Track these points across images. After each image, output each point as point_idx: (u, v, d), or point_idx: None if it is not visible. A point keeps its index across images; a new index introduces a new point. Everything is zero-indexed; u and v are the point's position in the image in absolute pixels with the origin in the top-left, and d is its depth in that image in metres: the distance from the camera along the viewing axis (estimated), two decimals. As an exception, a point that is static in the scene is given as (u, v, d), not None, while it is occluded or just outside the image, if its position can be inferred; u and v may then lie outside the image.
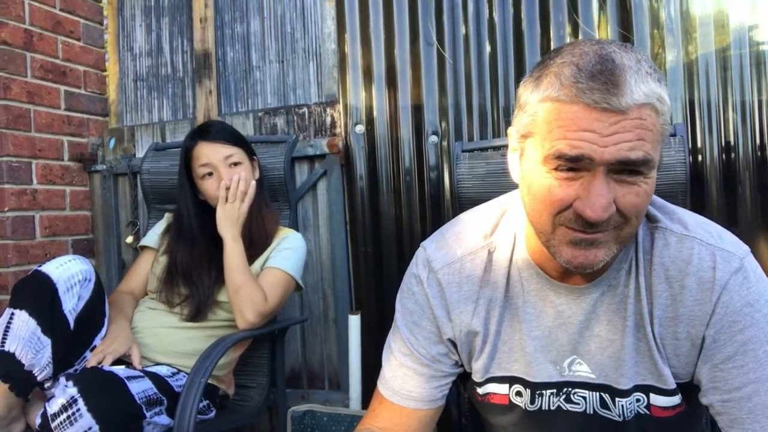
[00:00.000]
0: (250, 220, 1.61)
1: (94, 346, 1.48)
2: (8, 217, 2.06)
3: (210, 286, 1.56)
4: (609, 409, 0.83)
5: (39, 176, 2.17)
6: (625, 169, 0.68)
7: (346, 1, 2.00)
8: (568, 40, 1.81)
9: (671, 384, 0.80)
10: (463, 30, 1.90)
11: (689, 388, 0.82)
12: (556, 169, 0.69)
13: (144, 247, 1.78)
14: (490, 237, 0.88)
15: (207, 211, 1.63)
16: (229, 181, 1.57)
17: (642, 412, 0.81)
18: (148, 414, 1.29)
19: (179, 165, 1.67)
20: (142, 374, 1.37)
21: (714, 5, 1.71)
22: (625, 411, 0.82)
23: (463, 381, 0.97)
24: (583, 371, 0.83)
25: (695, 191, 1.70)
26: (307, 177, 2.04)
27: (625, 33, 1.78)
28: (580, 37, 1.80)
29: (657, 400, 0.81)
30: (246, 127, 2.15)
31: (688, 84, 1.73)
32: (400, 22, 1.94)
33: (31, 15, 2.16)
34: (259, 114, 2.14)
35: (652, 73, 0.68)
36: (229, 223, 1.55)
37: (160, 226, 1.78)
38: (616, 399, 0.82)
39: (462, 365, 0.92)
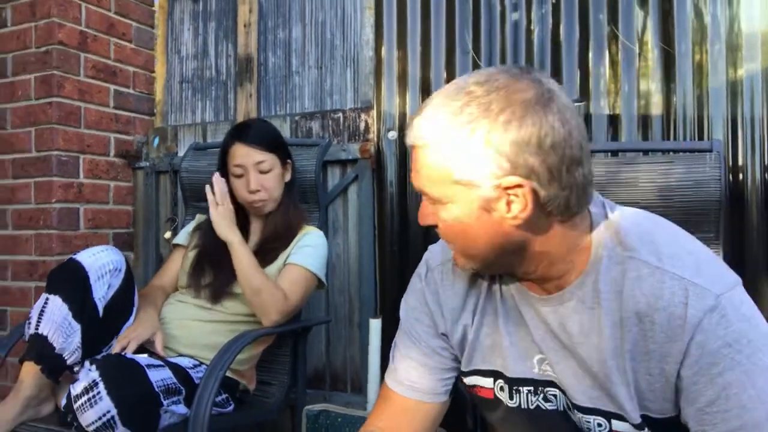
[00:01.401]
0: (276, 216, 1.67)
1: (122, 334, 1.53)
2: (55, 208, 2.16)
3: (233, 271, 1.59)
4: (572, 416, 0.84)
5: (86, 171, 2.27)
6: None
7: (384, 10, 2.03)
8: (607, 54, 1.78)
9: (635, 418, 0.76)
10: (499, 40, 1.89)
11: (665, 425, 0.77)
12: None
13: (176, 245, 1.84)
14: None
15: (235, 204, 1.69)
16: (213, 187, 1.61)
17: None
18: (165, 402, 1.33)
19: (219, 158, 1.73)
20: (162, 363, 1.42)
21: (763, 21, 1.65)
22: (583, 424, 0.81)
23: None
24: (551, 372, 0.84)
25: (735, 211, 1.65)
26: (339, 181, 2.07)
27: (667, 48, 1.74)
28: (620, 51, 1.77)
29: (621, 426, 0.78)
30: (283, 130, 2.18)
31: (731, 100, 1.67)
32: (437, 30, 1.95)
33: (87, 17, 2.27)
34: (296, 118, 2.18)
35: (444, 115, 0.73)
36: (226, 223, 1.59)
37: (192, 225, 1.84)
38: (575, 410, 0.82)
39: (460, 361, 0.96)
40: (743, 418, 0.69)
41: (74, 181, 2.23)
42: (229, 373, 1.55)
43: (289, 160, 1.75)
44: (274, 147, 1.69)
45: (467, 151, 0.71)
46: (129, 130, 2.44)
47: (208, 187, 1.62)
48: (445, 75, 1.94)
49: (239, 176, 1.66)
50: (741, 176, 1.66)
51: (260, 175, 1.65)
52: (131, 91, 2.45)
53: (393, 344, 1.00)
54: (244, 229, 1.68)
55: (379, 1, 2.04)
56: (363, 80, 2.12)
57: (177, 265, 1.78)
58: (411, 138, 0.77)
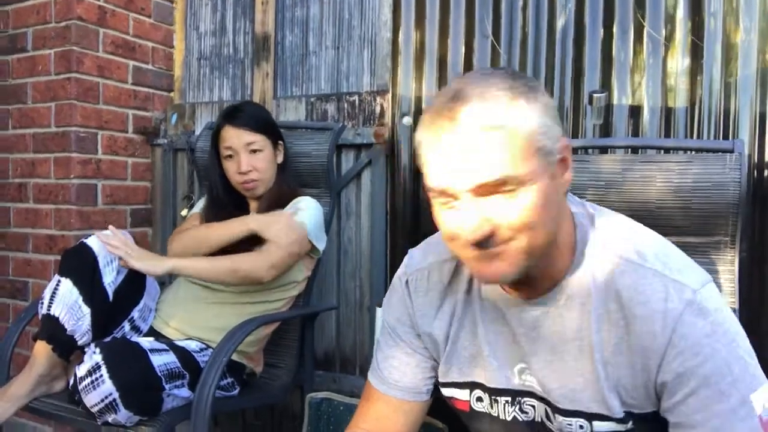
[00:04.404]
0: (269, 195, 1.71)
1: (132, 317, 1.56)
2: (74, 184, 2.19)
3: (235, 246, 1.60)
4: (552, 422, 0.84)
5: (104, 147, 2.29)
6: (490, 190, 0.71)
7: (404, -11, 1.97)
8: (631, 45, 1.71)
9: (618, 413, 0.78)
10: (521, 26, 1.83)
11: (646, 420, 0.79)
12: (438, 201, 0.75)
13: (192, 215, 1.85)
14: None
15: (229, 188, 1.73)
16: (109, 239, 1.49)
17: None
18: (167, 386, 1.36)
19: (210, 141, 1.76)
20: (167, 348, 1.44)
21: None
22: (564, 428, 0.82)
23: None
24: (530, 381, 0.85)
25: (759, 210, 1.59)
26: (352, 165, 2.05)
27: (696, 40, 1.65)
28: (645, 43, 1.69)
29: (602, 426, 0.80)
30: (298, 111, 2.18)
31: (761, 95, 1.60)
32: (456, 13, 1.90)
33: (106, -9, 2.26)
34: (312, 99, 2.16)
35: (505, 91, 0.71)
36: (150, 260, 1.49)
37: (204, 201, 1.85)
38: (556, 415, 0.83)
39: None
40: (721, 405, 0.71)
41: (92, 157, 2.25)
42: (235, 356, 1.57)
43: (280, 142, 1.76)
44: (264, 128, 1.70)
45: (536, 119, 0.72)
46: (147, 107, 2.45)
47: (107, 244, 1.47)
48: (462, 60, 1.89)
49: (230, 158, 1.68)
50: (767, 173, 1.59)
51: (251, 155, 1.67)
52: (150, 66, 2.45)
53: (376, 343, 1.03)
54: (243, 211, 1.70)
55: (398, -21, 1.99)
56: (380, 62, 2.08)
57: None
58: (478, 119, 0.70)
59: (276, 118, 2.09)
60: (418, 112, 1.94)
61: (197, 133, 2.34)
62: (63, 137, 2.20)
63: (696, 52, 1.65)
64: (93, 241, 1.48)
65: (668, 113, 1.68)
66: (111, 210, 2.31)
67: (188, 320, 1.61)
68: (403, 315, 0.96)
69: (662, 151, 1.55)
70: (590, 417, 0.80)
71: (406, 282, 0.96)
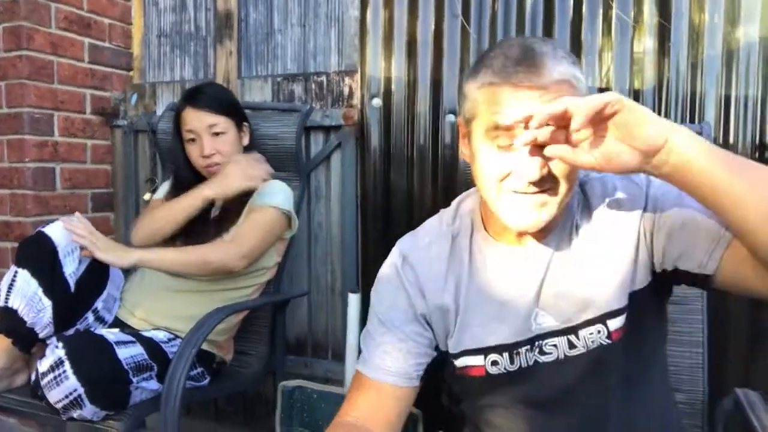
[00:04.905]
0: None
1: (96, 308, 1.51)
2: (29, 168, 2.10)
3: (203, 231, 1.59)
4: (576, 347, 0.91)
5: (61, 128, 2.19)
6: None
7: (372, -34, 1.92)
8: (600, 25, 1.70)
9: (624, 301, 0.89)
10: (490, 5, 1.80)
11: (645, 297, 0.91)
12: (495, 139, 0.83)
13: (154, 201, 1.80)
14: (452, 225, 1.00)
15: (194, 171, 1.69)
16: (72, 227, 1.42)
17: (604, 343, 0.90)
18: (134, 379, 1.33)
19: (173, 124, 1.71)
20: (134, 339, 1.40)
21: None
22: (587, 341, 0.91)
23: (442, 369, 1.02)
24: (547, 323, 0.92)
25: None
26: (321, 148, 2.01)
27: (663, 21, 1.66)
28: (614, 22, 1.69)
29: (613, 323, 0.90)
30: (264, 92, 2.12)
31: (726, 77, 1.61)
32: (426, -9, 1.86)
33: (58, -37, 2.14)
34: (278, 79, 2.10)
35: (566, 57, 0.84)
36: (117, 251, 1.43)
37: (168, 183, 1.80)
38: (579, 332, 0.91)
39: (437, 347, 0.99)
40: (691, 211, 0.85)
41: (48, 139, 2.15)
42: (205, 345, 1.54)
43: (245, 123, 1.72)
44: (227, 110, 1.66)
45: (584, 82, 0.86)
46: (106, 86, 2.35)
47: (72, 233, 1.40)
48: (432, 39, 1.86)
49: (192, 141, 1.64)
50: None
51: (214, 138, 1.62)
52: (107, 44, 2.35)
53: (364, 333, 1.02)
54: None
55: (366, -44, 1.93)
56: (348, 42, 2.03)
57: None
58: (557, 74, 0.81)
59: (241, 99, 2.04)
60: (387, 93, 1.91)
61: (158, 113, 2.27)
62: (15, 119, 2.10)
63: (663, 33, 1.65)
64: (52, 230, 1.42)
65: (636, 95, 1.69)
66: (71, 194, 2.23)
67: (155, 309, 1.57)
68: (397, 300, 0.98)
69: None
70: (603, 318, 0.89)
71: (407, 262, 0.98)
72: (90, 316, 1.50)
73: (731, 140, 1.61)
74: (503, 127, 0.81)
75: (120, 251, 1.44)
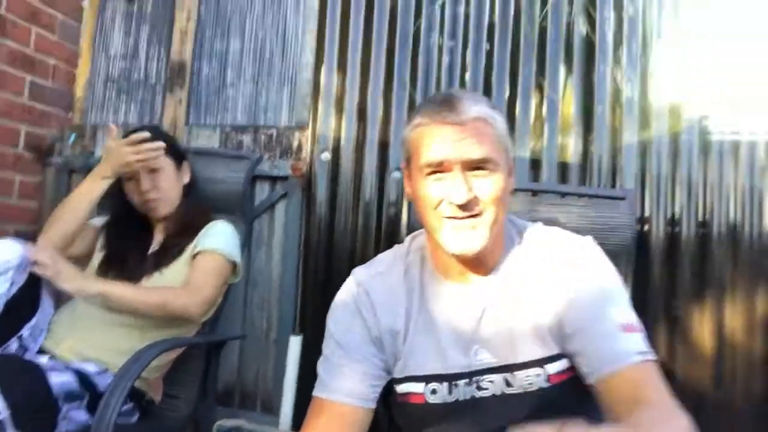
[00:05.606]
0: (176, 215, 1.65)
1: (21, 335, 1.42)
2: (-51, 197, 1.99)
3: (140, 265, 1.57)
4: (513, 386, 0.96)
5: (-10, 161, 2.11)
6: (475, 167, 0.91)
7: (327, 35, 2.07)
8: (533, 101, 1.91)
9: (554, 349, 0.94)
10: (435, 78, 1.98)
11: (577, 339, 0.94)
12: (429, 174, 0.93)
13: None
14: (406, 258, 1.07)
15: (134, 211, 1.67)
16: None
17: (544, 385, 0.94)
18: (63, 408, 1.25)
19: None
20: (66, 367, 1.32)
21: (670, 94, 1.83)
22: (524, 383, 0.95)
23: (386, 398, 1.04)
24: (486, 359, 0.97)
25: (639, 260, 1.77)
26: (267, 196, 2.05)
27: (589, 105, 1.88)
28: (545, 102, 1.90)
29: (552, 368, 0.94)
30: (212, 140, 2.16)
31: (641, 157, 1.82)
32: (377, 61, 2.02)
33: (9, 1, 2.14)
34: (227, 129, 2.15)
35: (484, 101, 0.97)
36: (80, 279, 1.41)
37: (104, 219, 1.75)
38: (516, 373, 0.95)
39: (389, 370, 1.02)
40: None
41: (-25, 170, 2.06)
42: (136, 382, 1.47)
43: (185, 161, 1.73)
44: (165, 148, 1.67)
45: (505, 125, 0.97)
46: (43, 124, 2.30)
47: (34, 261, 1.37)
48: (381, 104, 2.00)
49: (130, 180, 1.63)
50: (647, 227, 1.80)
51: (151, 174, 1.62)
52: (49, 84, 2.32)
53: (321, 360, 1.04)
54: (147, 232, 1.65)
55: (321, 26, 2.08)
56: (299, 100, 2.13)
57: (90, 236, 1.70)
58: (473, 113, 0.92)
59: (188, 146, 2.06)
60: (336, 150, 2.01)
61: (97, 155, 2.23)
62: (-58, 146, 2.00)
63: (589, 114, 1.87)
64: (-12, 248, 1.35)
65: (563, 167, 1.88)
66: (-9, 229, 2.11)
67: (86, 341, 1.49)
68: (353, 324, 1.02)
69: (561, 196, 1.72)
70: (542, 362, 0.95)
71: (359, 288, 1.03)
72: (14, 343, 1.40)
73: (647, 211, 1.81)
74: (434, 161, 0.92)
75: (85, 281, 1.40)
